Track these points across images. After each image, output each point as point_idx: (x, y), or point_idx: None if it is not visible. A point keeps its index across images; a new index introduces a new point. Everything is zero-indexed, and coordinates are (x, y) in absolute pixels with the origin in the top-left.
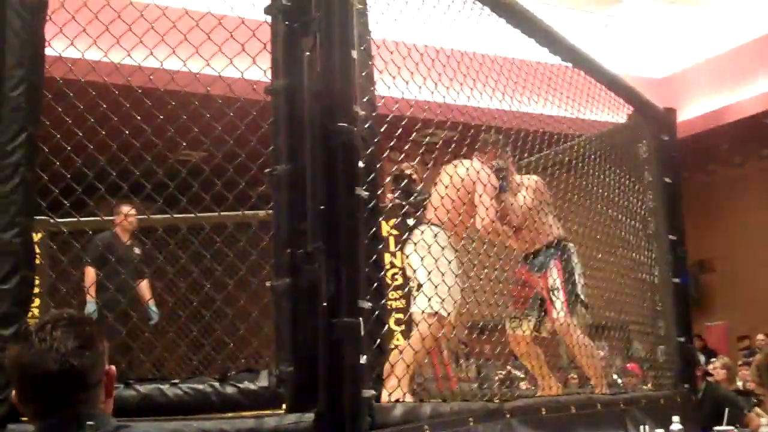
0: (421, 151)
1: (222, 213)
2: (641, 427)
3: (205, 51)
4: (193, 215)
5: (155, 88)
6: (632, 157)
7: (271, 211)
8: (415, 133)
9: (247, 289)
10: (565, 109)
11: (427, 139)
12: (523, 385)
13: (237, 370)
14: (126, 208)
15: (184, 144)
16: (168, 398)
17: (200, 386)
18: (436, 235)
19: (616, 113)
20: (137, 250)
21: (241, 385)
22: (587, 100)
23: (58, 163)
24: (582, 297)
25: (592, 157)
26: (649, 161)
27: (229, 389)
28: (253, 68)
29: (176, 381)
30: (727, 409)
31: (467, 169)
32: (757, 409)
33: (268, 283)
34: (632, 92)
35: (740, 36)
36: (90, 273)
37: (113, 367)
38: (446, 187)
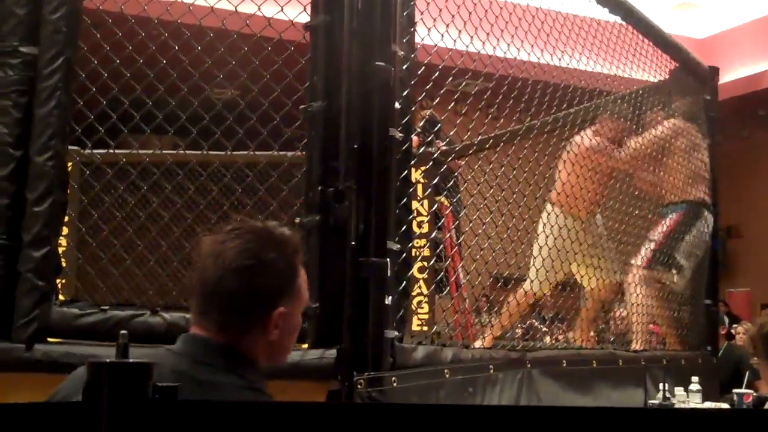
0: (455, 99)
1: (254, 152)
2: (660, 384)
3: None
4: (224, 153)
5: (192, 22)
6: (689, 112)
7: (302, 152)
8: (449, 81)
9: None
10: (611, 65)
11: (461, 88)
12: (546, 339)
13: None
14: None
15: (220, 76)
16: None
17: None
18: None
19: (661, 71)
20: None
21: None
22: (635, 55)
23: (94, 89)
24: (678, 259)
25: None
26: (691, 120)
27: None
28: (293, 4)
29: None
30: (747, 372)
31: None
32: None
33: (297, 220)
34: (676, 48)
35: None
36: None
37: None
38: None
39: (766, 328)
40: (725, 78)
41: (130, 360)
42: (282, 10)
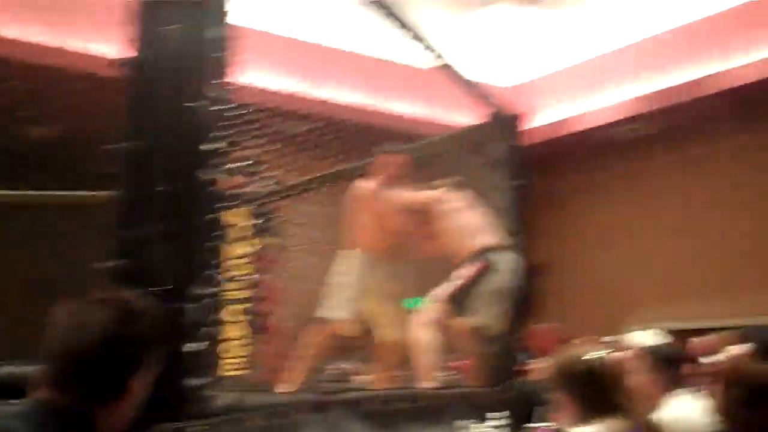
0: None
1: (59, 193)
2: (463, 421)
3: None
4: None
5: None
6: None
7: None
8: (274, 124)
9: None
10: (423, 110)
11: (283, 129)
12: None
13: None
14: None
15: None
16: None
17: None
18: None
19: (472, 116)
20: None
21: None
22: (445, 101)
23: None
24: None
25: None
26: (498, 165)
27: None
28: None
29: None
30: (533, 407)
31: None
32: None
33: (100, 264)
34: (487, 96)
35: (588, 50)
36: None
37: None
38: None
39: (562, 359)
40: (534, 123)
41: None
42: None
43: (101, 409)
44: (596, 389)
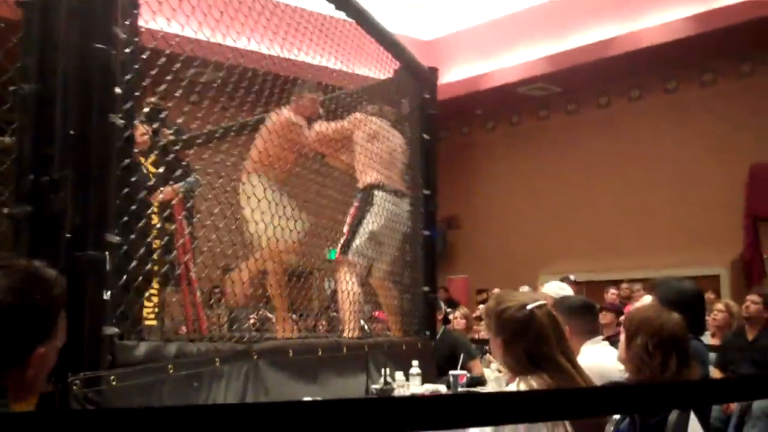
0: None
1: None
2: (382, 369)
3: None
4: None
5: None
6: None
7: (12, 138)
8: (177, 71)
9: None
10: (336, 61)
11: (190, 76)
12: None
13: None
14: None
15: None
16: None
17: None
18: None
19: (385, 68)
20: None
21: None
22: (358, 52)
23: None
24: (356, 244)
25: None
26: (411, 116)
27: None
28: None
29: None
30: (462, 354)
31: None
32: (489, 356)
33: (6, 210)
34: (400, 48)
35: (503, 7)
36: None
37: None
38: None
39: (501, 305)
40: (448, 78)
41: None
42: None
43: (8, 376)
44: (537, 339)
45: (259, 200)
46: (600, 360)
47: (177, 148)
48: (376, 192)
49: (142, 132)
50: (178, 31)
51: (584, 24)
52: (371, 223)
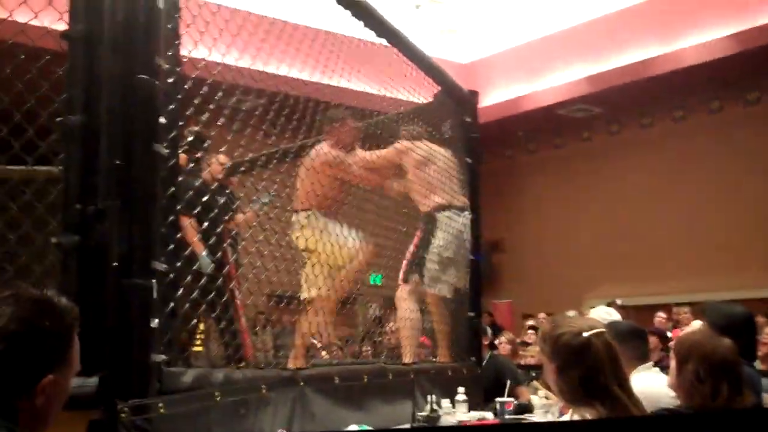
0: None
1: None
2: (428, 396)
3: None
4: None
5: None
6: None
7: (59, 168)
8: (219, 99)
9: (30, 246)
10: (376, 87)
11: (232, 104)
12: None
13: None
14: (222, 158)
15: None
16: None
17: None
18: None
19: (425, 93)
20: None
21: None
22: (398, 77)
23: None
24: (429, 268)
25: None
26: (452, 141)
27: None
28: (50, 11)
29: None
30: (509, 380)
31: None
32: (535, 383)
33: (54, 240)
34: (440, 73)
35: (541, 28)
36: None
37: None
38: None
39: (557, 330)
40: (487, 101)
41: None
42: (36, 16)
43: (18, 405)
44: (593, 368)
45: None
46: (650, 386)
47: (220, 177)
48: (438, 215)
49: (221, 161)
50: (219, 59)
51: (624, 44)
52: (440, 246)
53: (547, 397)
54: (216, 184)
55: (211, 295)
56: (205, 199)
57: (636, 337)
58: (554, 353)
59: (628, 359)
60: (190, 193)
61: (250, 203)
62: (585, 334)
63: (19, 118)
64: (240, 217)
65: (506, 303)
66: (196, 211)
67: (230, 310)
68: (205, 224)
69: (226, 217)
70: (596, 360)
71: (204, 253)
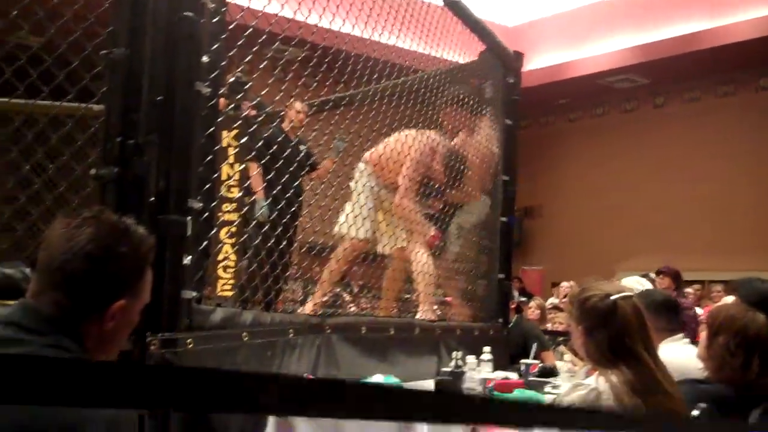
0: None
1: (50, 102)
2: (454, 353)
3: None
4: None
5: None
6: (479, 95)
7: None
8: (259, 46)
9: (69, 176)
10: (420, 42)
11: (274, 53)
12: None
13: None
14: (299, 105)
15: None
16: None
17: (9, 271)
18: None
19: (469, 51)
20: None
21: None
22: (442, 34)
23: None
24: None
25: (442, 89)
26: (494, 101)
27: None
28: None
29: None
30: (534, 344)
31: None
32: (562, 347)
33: (92, 171)
34: (485, 31)
35: None
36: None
37: None
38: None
39: (585, 293)
40: (530, 66)
41: None
42: None
43: (87, 326)
44: (619, 330)
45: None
46: (678, 357)
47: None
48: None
49: (297, 110)
50: (262, 6)
51: (675, 15)
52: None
53: (573, 363)
54: (286, 135)
55: (261, 241)
56: (274, 148)
57: (669, 309)
58: (582, 315)
59: (659, 330)
60: (260, 141)
61: (329, 150)
62: (612, 297)
63: (64, 49)
64: (327, 163)
65: (537, 270)
66: (264, 160)
67: (281, 259)
68: (272, 173)
69: (303, 172)
70: (623, 322)
71: (263, 201)
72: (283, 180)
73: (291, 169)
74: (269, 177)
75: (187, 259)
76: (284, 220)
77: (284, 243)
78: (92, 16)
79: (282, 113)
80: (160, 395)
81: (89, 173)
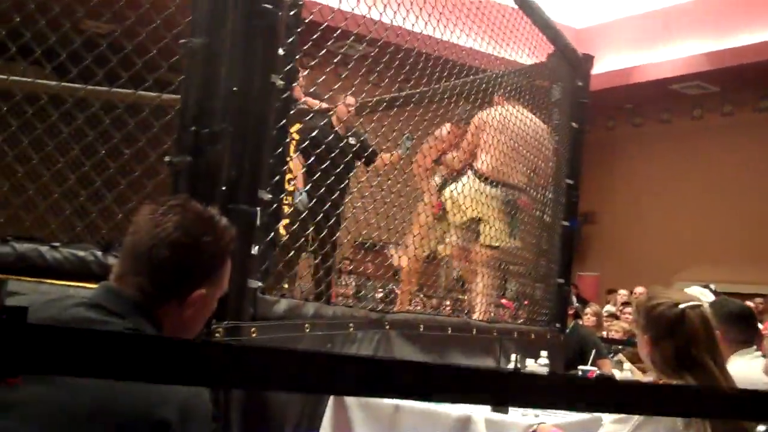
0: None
1: (123, 91)
2: (511, 355)
3: None
4: (103, 89)
5: None
6: (546, 96)
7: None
8: (330, 42)
9: (144, 162)
10: (490, 42)
11: (344, 50)
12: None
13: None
14: (350, 99)
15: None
16: (46, 261)
17: (82, 253)
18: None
19: (538, 51)
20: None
21: None
22: (513, 33)
23: None
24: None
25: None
26: (561, 104)
27: (112, 260)
28: None
29: (57, 244)
30: (594, 351)
31: None
32: (621, 356)
33: (167, 158)
34: (555, 32)
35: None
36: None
37: None
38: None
39: (653, 301)
40: (597, 70)
41: None
42: None
43: (166, 312)
44: (686, 340)
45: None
46: (747, 370)
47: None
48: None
49: (348, 104)
50: (334, 3)
51: (749, 22)
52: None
53: (631, 372)
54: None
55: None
56: (313, 135)
57: (744, 320)
58: (648, 324)
59: (731, 341)
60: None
61: (398, 145)
62: (681, 306)
63: (143, 37)
64: (386, 157)
65: (593, 276)
66: (303, 146)
67: (323, 249)
68: (311, 162)
69: (352, 163)
70: (691, 332)
71: (302, 189)
72: (322, 169)
73: (332, 159)
74: (308, 163)
75: (255, 249)
76: (324, 208)
77: (325, 232)
78: (173, 5)
79: (331, 107)
80: (239, 373)
81: (163, 160)
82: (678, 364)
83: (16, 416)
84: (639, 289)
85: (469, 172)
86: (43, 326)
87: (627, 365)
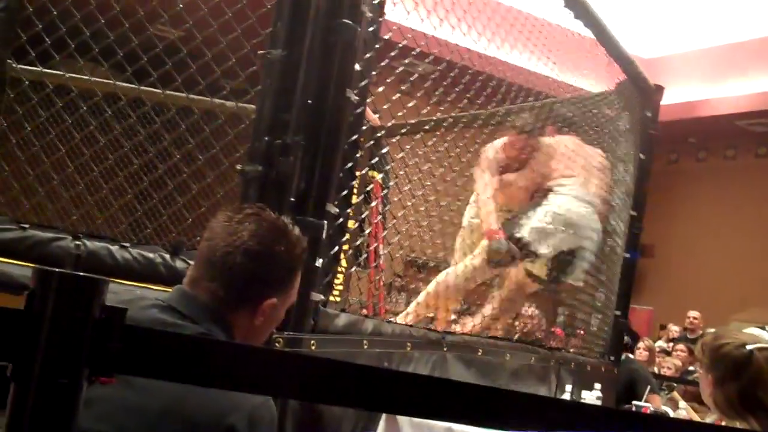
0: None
1: (201, 98)
2: (566, 386)
3: None
4: (183, 95)
5: None
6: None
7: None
8: (392, 58)
9: (216, 169)
10: (561, 69)
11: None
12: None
13: (191, 247)
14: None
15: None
16: (116, 260)
17: (151, 255)
18: None
19: (609, 81)
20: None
21: (191, 262)
22: (581, 61)
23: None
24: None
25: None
26: (628, 134)
27: (179, 264)
28: None
29: (126, 244)
30: (647, 386)
31: None
32: (676, 394)
33: (239, 167)
34: (627, 61)
35: (733, 33)
36: None
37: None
38: None
39: (719, 340)
40: (662, 101)
41: (81, 273)
42: None
43: (237, 319)
44: (752, 382)
45: None
46: None
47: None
48: None
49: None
50: (402, 20)
51: None
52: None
53: (686, 410)
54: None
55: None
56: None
57: None
58: (713, 364)
59: None
60: None
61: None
62: (749, 347)
63: (224, 46)
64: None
65: (647, 310)
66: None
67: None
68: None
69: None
70: (757, 374)
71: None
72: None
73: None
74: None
75: (319, 262)
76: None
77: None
78: (254, 16)
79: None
80: (314, 385)
81: (236, 168)
82: (742, 406)
83: (91, 414)
84: (693, 313)
85: (562, 196)
86: (142, 329)
87: (682, 404)
